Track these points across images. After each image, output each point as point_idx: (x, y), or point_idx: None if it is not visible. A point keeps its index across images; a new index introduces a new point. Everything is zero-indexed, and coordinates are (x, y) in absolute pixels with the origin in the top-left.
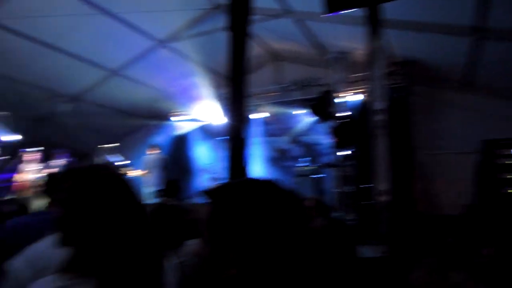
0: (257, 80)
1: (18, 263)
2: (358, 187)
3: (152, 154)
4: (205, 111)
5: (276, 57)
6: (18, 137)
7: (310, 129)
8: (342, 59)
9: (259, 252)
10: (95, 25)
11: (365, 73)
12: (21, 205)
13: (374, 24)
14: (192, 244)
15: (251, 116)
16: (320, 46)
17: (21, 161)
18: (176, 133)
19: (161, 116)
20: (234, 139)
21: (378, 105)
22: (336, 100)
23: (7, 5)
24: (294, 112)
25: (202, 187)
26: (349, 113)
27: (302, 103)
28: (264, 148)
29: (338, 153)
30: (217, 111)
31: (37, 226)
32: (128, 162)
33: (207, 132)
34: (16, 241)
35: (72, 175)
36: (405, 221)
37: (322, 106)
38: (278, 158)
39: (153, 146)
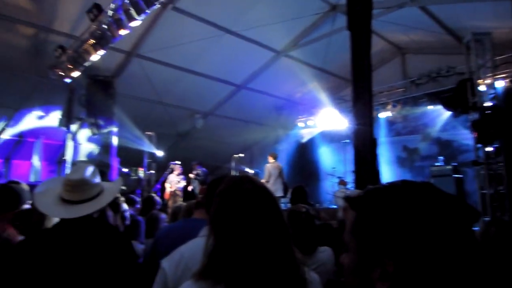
0: (381, 77)
1: (167, 262)
2: (511, 187)
3: (270, 163)
4: (328, 115)
5: (401, 50)
6: (162, 152)
7: (444, 124)
8: (482, 41)
9: (417, 265)
10: (221, 45)
11: None
12: (173, 213)
13: None
14: (325, 251)
15: (376, 115)
16: (453, 30)
17: (170, 172)
18: (301, 139)
19: (286, 124)
20: (362, 142)
21: None
22: (476, 89)
23: (148, 39)
24: (424, 108)
25: (331, 192)
26: (493, 102)
27: (433, 97)
28: (391, 148)
29: (482, 149)
30: (340, 114)
31: (187, 230)
32: (255, 171)
33: (331, 136)
34: (169, 243)
35: (220, 183)
36: None
37: (458, 97)
38: (407, 158)
39: (272, 154)
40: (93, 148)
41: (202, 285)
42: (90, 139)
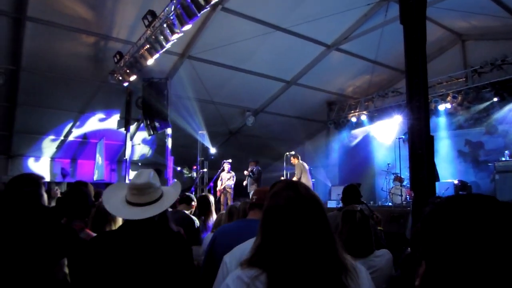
0: (439, 66)
1: (229, 257)
2: None
3: (300, 162)
4: (382, 109)
5: (460, 37)
6: (214, 150)
7: (511, 116)
8: None
9: (441, 269)
10: (271, 42)
11: None
12: (229, 211)
13: None
14: (383, 255)
15: (435, 107)
16: None
17: (222, 171)
18: (354, 134)
19: (338, 119)
20: (418, 138)
21: None
22: None
23: (199, 41)
24: (487, 98)
25: (387, 189)
26: None
27: (498, 86)
28: (452, 142)
29: None
30: (395, 108)
31: (242, 230)
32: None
33: (386, 131)
34: (226, 242)
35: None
36: None
37: None
38: (470, 153)
39: (293, 156)
40: (149, 148)
41: (247, 273)
42: (145, 140)
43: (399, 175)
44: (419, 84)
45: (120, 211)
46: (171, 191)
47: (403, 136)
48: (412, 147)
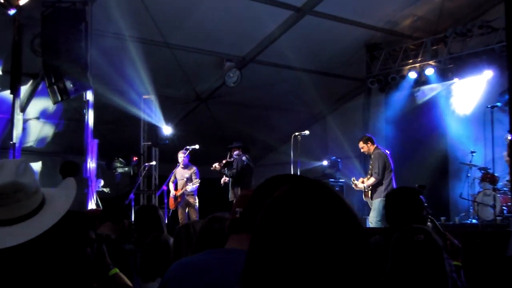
0: None
1: None
2: None
3: (373, 150)
4: (462, 56)
5: None
6: (170, 130)
7: None
8: None
9: None
10: None
11: None
12: (185, 234)
13: None
14: None
15: None
16: None
17: (178, 166)
18: (413, 102)
19: (386, 74)
20: None
21: None
22: None
23: None
24: None
25: (469, 196)
26: None
27: None
28: None
29: None
30: (484, 56)
31: (225, 266)
32: (331, 159)
33: (469, 94)
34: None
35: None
36: None
37: None
38: None
39: (369, 139)
40: (54, 125)
41: None
42: (48, 112)
43: (490, 171)
44: None
45: None
46: (58, 196)
47: (499, 104)
48: None
